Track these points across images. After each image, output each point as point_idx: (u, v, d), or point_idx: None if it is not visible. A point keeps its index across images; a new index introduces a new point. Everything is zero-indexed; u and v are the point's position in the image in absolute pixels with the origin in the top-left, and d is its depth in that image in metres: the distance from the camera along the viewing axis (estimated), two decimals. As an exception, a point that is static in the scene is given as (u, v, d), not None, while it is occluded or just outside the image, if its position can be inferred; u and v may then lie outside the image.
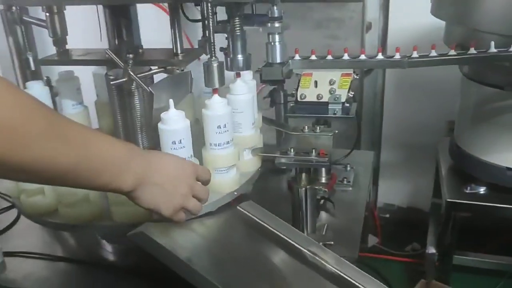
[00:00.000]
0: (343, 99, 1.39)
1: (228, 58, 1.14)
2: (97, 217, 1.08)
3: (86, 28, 1.36)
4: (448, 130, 1.97)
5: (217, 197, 1.10)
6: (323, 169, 1.55)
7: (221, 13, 1.21)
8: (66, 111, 1.39)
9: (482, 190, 1.67)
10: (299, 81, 1.44)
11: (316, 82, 1.42)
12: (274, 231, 1.10)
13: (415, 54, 1.37)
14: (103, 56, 1.15)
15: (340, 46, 2.45)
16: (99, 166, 0.78)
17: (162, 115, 1.00)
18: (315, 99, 1.41)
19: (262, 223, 1.12)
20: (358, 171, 1.64)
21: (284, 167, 1.47)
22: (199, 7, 1.15)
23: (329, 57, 1.44)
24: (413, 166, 2.62)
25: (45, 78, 1.39)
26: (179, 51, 1.13)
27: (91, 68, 1.41)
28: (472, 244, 1.99)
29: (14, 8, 1.25)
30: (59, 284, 1.20)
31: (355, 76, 1.43)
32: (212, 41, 1.02)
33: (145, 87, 1.05)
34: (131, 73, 1.05)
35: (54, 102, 1.37)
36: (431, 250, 2.06)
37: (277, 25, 1.21)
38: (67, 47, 1.34)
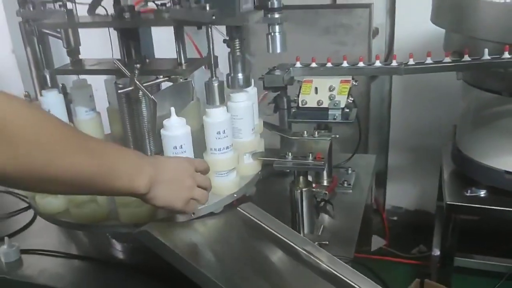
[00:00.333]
0: (342, 105, 1.45)
1: (229, 77, 1.21)
2: (104, 217, 1.15)
3: (99, 37, 1.43)
4: (454, 134, 2.00)
5: (218, 199, 1.17)
6: (325, 172, 1.61)
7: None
8: (80, 117, 1.47)
9: (482, 193, 1.70)
10: (300, 87, 1.50)
11: (316, 89, 1.48)
12: (272, 231, 1.17)
13: (411, 61, 1.42)
14: (112, 66, 1.23)
15: (347, 52, 2.52)
16: (118, 172, 0.88)
17: (164, 122, 1.08)
18: (315, 105, 1.47)
19: (261, 223, 1.18)
20: (360, 174, 1.68)
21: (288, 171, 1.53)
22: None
23: (329, 64, 1.50)
24: (420, 169, 2.65)
25: (61, 85, 1.48)
26: (183, 61, 1.20)
27: (103, 76, 1.49)
28: (474, 246, 2.01)
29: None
30: (72, 280, 1.27)
31: (354, 83, 1.48)
32: (212, 62, 1.10)
33: (150, 95, 1.12)
34: (137, 82, 1.13)
35: (68, 109, 1.46)
36: (437, 252, 2.10)
37: (276, 15, 1.26)
38: (80, 56, 1.42)
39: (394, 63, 1.43)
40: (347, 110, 1.47)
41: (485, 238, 2.11)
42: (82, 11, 1.34)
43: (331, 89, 1.46)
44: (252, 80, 1.31)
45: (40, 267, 1.30)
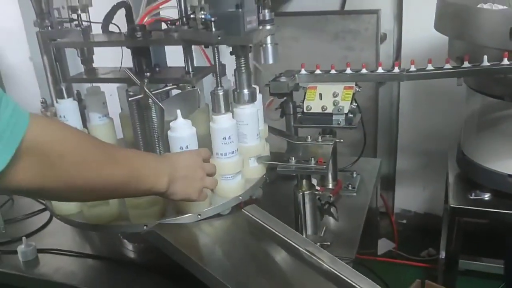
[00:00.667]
0: (346, 110, 1.49)
1: (235, 92, 1.27)
2: (115, 218, 1.21)
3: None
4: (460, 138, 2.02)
5: (224, 201, 1.23)
6: (330, 176, 1.66)
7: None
8: (93, 122, 1.54)
9: (486, 196, 1.72)
10: (305, 93, 1.55)
11: (320, 95, 1.52)
12: (275, 232, 1.21)
13: (412, 68, 1.46)
14: (124, 75, 1.29)
15: (356, 57, 2.57)
16: (143, 177, 0.97)
17: (171, 123, 1.15)
18: (320, 111, 1.51)
19: (264, 224, 1.23)
20: (364, 177, 1.72)
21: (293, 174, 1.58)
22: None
23: (333, 71, 1.54)
24: (429, 173, 2.67)
25: (76, 92, 1.55)
26: (190, 70, 1.25)
27: (116, 83, 1.55)
28: (479, 249, 2.03)
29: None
30: (85, 277, 1.34)
31: (357, 89, 1.52)
32: (218, 73, 1.18)
33: (158, 102, 1.18)
34: (147, 90, 1.19)
35: (83, 115, 1.53)
36: (443, 255, 2.12)
37: (268, 27, 1.31)
38: (94, 65, 1.49)
39: (396, 70, 1.47)
40: (351, 115, 1.51)
41: (490, 241, 2.12)
42: (95, 26, 1.41)
43: (335, 95, 1.50)
44: (257, 87, 1.36)
45: (56, 266, 1.37)
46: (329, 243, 1.27)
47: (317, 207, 1.40)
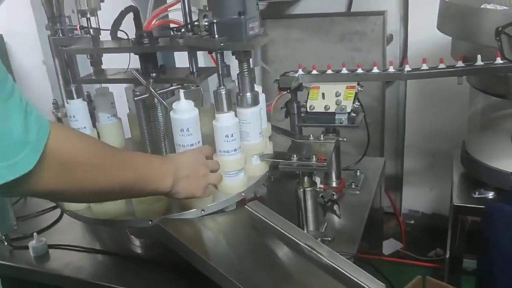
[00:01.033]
0: (348, 109, 1.52)
1: (238, 96, 1.31)
2: (122, 214, 1.25)
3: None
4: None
5: (227, 197, 1.26)
6: (333, 174, 1.68)
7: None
8: (102, 122, 1.58)
9: (490, 195, 1.74)
10: (308, 93, 1.58)
11: (323, 94, 1.55)
12: (276, 227, 1.24)
13: (407, 68, 1.49)
14: (131, 75, 1.33)
15: (362, 58, 2.59)
16: (149, 178, 1.02)
17: (173, 105, 1.19)
18: (323, 110, 1.54)
19: (266, 220, 1.26)
20: (368, 176, 1.74)
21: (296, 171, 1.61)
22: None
23: (336, 70, 1.57)
24: (436, 173, 2.68)
25: (86, 93, 1.60)
26: (194, 70, 1.30)
27: (124, 84, 1.60)
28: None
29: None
30: (94, 272, 1.38)
31: (359, 88, 1.55)
32: (220, 74, 1.23)
33: (162, 101, 1.22)
34: (152, 89, 1.23)
35: (92, 115, 1.58)
36: (449, 254, 2.12)
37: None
38: (103, 66, 1.54)
39: (391, 69, 1.50)
40: (354, 114, 1.54)
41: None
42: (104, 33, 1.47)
43: (337, 94, 1.53)
44: (261, 87, 1.40)
45: (66, 261, 1.42)
46: (330, 239, 1.30)
47: (320, 204, 1.43)
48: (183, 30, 1.33)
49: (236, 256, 1.17)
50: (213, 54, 1.29)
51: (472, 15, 1.50)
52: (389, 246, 2.74)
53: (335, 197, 1.54)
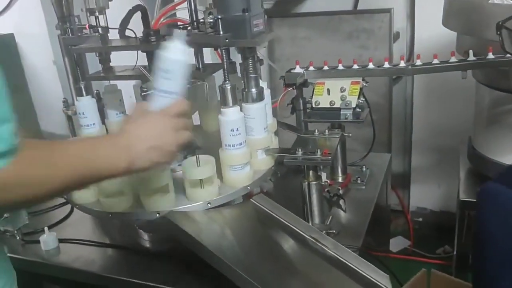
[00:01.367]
0: (353, 105, 1.53)
1: (244, 92, 1.33)
2: (130, 206, 1.28)
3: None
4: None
5: (233, 191, 1.28)
6: (339, 169, 1.70)
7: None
8: (111, 119, 1.61)
9: (497, 189, 1.74)
10: (313, 89, 1.59)
11: (328, 90, 1.56)
12: (282, 220, 1.26)
13: (418, 62, 1.49)
14: (138, 72, 1.36)
15: (370, 56, 2.58)
16: (98, 164, 0.92)
17: (166, 43, 1.02)
18: (328, 105, 1.56)
19: (271, 212, 1.28)
20: (374, 172, 1.76)
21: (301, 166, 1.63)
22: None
23: (340, 66, 1.59)
24: (444, 170, 2.67)
25: (95, 91, 1.63)
26: (200, 66, 1.32)
27: (132, 81, 1.63)
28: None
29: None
30: (103, 265, 1.41)
31: (364, 84, 1.56)
32: (225, 68, 1.25)
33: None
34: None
35: (102, 113, 1.61)
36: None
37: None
38: (111, 63, 1.57)
39: (402, 64, 1.51)
40: (359, 109, 1.55)
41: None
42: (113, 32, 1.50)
43: (342, 90, 1.54)
44: (266, 83, 1.42)
45: (75, 254, 1.45)
46: (335, 231, 1.31)
47: (325, 199, 1.44)
48: (189, 27, 1.35)
49: (242, 248, 1.19)
50: (219, 50, 1.32)
51: (476, 10, 1.50)
52: (397, 243, 2.74)
53: (340, 191, 1.56)
